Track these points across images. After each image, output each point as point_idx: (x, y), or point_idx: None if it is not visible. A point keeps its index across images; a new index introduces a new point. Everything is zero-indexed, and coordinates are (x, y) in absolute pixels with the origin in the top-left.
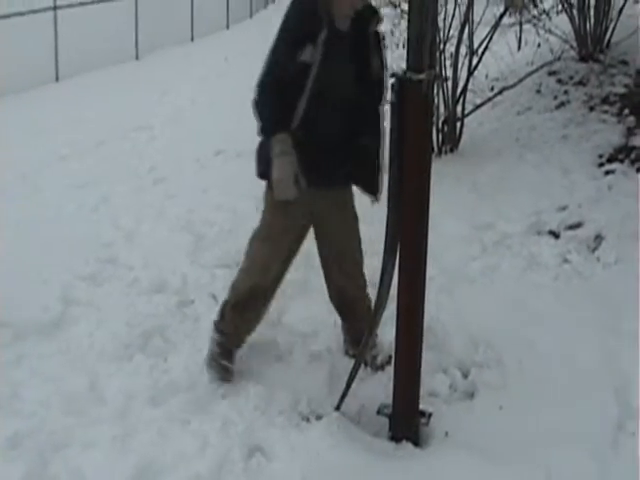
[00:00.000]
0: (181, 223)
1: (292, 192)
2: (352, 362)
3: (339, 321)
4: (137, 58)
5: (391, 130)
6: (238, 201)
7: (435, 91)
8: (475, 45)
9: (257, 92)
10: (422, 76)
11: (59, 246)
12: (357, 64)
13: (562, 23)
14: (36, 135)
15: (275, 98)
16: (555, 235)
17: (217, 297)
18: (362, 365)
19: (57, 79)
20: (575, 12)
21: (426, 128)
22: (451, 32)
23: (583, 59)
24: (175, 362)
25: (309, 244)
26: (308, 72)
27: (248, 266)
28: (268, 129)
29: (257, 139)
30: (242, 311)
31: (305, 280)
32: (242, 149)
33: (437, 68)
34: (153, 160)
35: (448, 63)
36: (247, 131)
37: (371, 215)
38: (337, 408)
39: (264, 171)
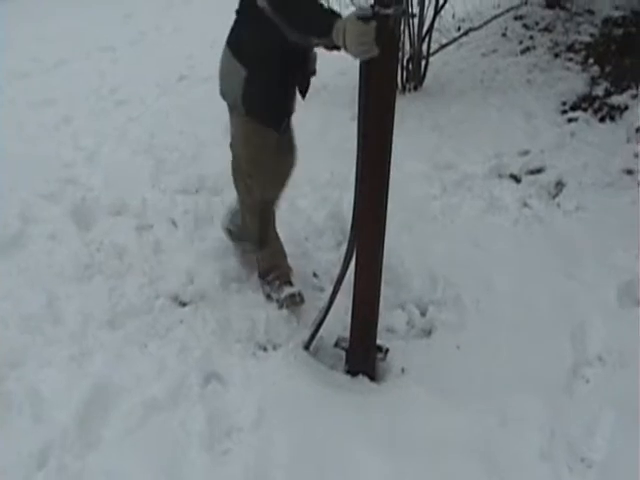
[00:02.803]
0: (142, 147)
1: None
2: (312, 292)
3: (305, 251)
4: None
5: (359, 66)
6: (200, 127)
7: (401, 28)
8: None
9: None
10: (389, 11)
11: (18, 164)
12: None
13: None
14: None
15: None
16: (516, 179)
17: (176, 222)
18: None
19: None
20: None
21: (392, 64)
22: None
23: (550, 5)
24: (133, 285)
25: None
26: None
27: (248, 205)
28: (326, 24)
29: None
30: (266, 246)
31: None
32: (206, 75)
33: (404, 4)
34: (115, 82)
35: (415, 1)
36: (211, 58)
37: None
38: (306, 347)
39: (255, 109)
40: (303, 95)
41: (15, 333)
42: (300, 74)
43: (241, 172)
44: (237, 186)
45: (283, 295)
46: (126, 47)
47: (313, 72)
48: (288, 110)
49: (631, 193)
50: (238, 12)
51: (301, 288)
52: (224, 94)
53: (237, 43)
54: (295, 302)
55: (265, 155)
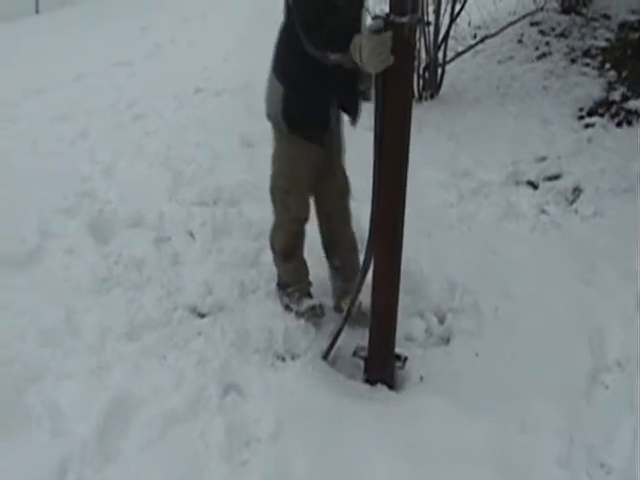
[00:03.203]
0: (159, 160)
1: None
2: (331, 302)
3: (323, 261)
4: None
5: (375, 75)
6: (217, 139)
7: (417, 36)
8: None
9: (314, 26)
10: (404, 19)
11: (36, 179)
12: None
13: None
14: (14, 67)
15: (334, 18)
16: (533, 186)
17: (194, 234)
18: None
19: (37, 11)
20: None
21: (407, 72)
22: None
23: (565, 11)
24: (151, 297)
25: None
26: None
27: (280, 221)
28: (344, 42)
29: (237, 78)
30: (291, 258)
31: None
32: (221, 88)
33: (419, 13)
34: (132, 96)
35: (431, 9)
36: (226, 70)
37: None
38: (324, 357)
39: (294, 121)
40: (352, 120)
41: (34, 347)
42: (344, 93)
43: (279, 188)
44: (274, 201)
45: (304, 307)
46: (142, 61)
47: (363, 94)
48: (328, 124)
49: None
50: (280, 32)
51: (321, 300)
52: (268, 114)
53: (277, 62)
54: (316, 314)
55: (304, 171)
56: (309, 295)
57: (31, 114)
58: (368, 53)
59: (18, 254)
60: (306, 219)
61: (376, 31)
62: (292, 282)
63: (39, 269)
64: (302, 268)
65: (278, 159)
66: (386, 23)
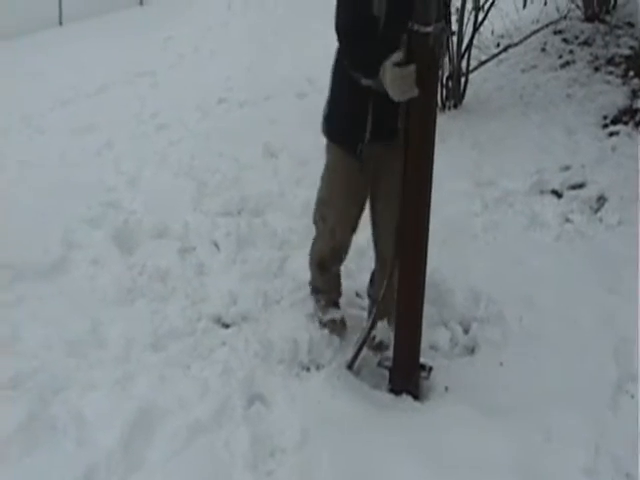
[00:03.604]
0: (184, 170)
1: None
2: (355, 312)
3: (348, 272)
4: (141, 4)
5: None
6: (241, 149)
7: (444, 46)
8: (481, 1)
9: (345, 41)
10: (429, 29)
11: (61, 189)
12: None
13: None
14: (39, 79)
15: (365, 41)
16: (558, 194)
17: (218, 244)
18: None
19: (61, 23)
20: None
21: (432, 82)
22: None
23: (589, 19)
24: (176, 308)
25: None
26: (377, 24)
27: (320, 234)
28: (373, 69)
29: (260, 88)
30: (324, 271)
31: (308, 228)
32: (245, 98)
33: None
34: (156, 106)
35: (454, 18)
36: (249, 81)
37: None
38: (349, 367)
39: (331, 130)
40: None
41: (59, 357)
42: (382, 109)
43: (321, 202)
44: (315, 211)
45: (326, 318)
46: (166, 71)
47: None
48: (363, 136)
49: None
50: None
51: (344, 312)
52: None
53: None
54: (335, 328)
55: (340, 182)
56: (336, 305)
57: (57, 125)
58: (389, 84)
59: (43, 264)
60: (344, 241)
61: (397, 63)
62: (323, 291)
63: (64, 279)
64: (333, 281)
65: (324, 171)
66: (410, 33)
